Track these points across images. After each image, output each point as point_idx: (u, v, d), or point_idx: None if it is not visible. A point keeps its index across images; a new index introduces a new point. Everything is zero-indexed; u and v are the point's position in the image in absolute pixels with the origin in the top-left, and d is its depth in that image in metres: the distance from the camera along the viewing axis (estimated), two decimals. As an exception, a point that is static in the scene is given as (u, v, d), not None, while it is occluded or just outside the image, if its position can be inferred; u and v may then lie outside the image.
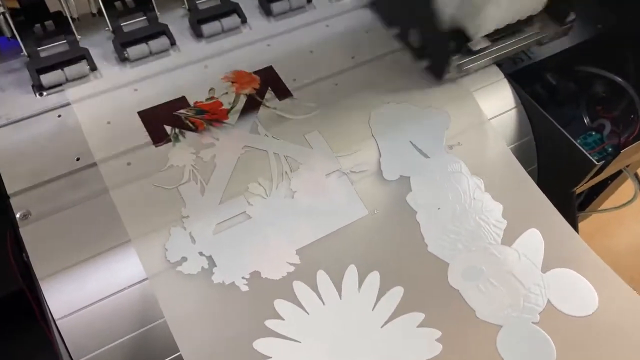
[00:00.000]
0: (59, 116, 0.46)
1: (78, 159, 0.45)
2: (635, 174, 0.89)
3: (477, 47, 0.51)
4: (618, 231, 1.10)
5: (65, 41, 0.49)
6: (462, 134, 0.51)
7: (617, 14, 0.63)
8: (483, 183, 0.49)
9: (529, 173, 0.50)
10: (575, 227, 0.49)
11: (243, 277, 0.42)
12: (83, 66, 0.48)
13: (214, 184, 0.45)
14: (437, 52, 0.52)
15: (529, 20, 0.53)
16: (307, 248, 0.44)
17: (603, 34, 0.63)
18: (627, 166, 0.75)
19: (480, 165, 0.50)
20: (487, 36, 0.51)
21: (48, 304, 0.38)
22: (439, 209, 0.47)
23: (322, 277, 0.43)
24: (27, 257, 0.39)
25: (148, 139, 0.46)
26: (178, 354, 0.38)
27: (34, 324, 0.47)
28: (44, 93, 0.47)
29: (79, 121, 0.46)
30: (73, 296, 0.39)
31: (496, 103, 0.54)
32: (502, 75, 0.55)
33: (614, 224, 1.11)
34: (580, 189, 0.58)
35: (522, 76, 0.56)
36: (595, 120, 0.60)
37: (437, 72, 0.53)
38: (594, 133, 0.59)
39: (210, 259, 0.42)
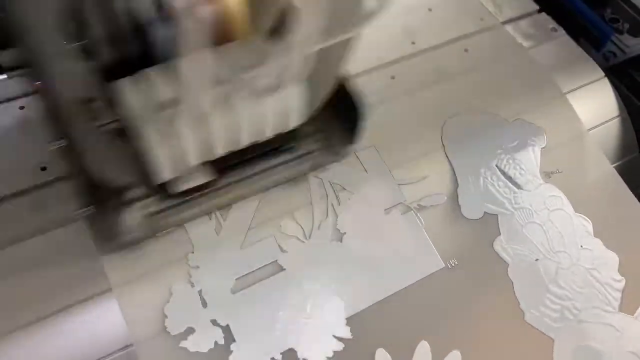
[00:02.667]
0: (21, 108, 0.34)
1: (44, 169, 0.32)
2: None
3: (182, 188, 0.30)
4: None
5: None
6: (560, 154, 0.38)
7: None
8: (591, 224, 0.37)
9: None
10: None
11: (273, 359, 0.29)
12: None
13: (234, 219, 0.32)
14: (102, 195, 0.30)
15: (290, 135, 0.31)
16: (361, 316, 0.31)
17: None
18: None
19: (585, 199, 0.37)
20: (212, 163, 0.29)
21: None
22: (537, 260, 0.35)
23: (382, 359, 0.30)
24: None
25: None
26: None
27: None
28: (4, 76, 0.35)
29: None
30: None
31: (596, 110, 0.42)
32: (602, 74, 0.43)
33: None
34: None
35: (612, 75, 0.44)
36: None
37: (105, 231, 0.30)
38: None
39: (227, 330, 0.30)
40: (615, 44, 0.48)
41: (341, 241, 0.33)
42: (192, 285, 0.30)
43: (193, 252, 0.31)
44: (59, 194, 0.32)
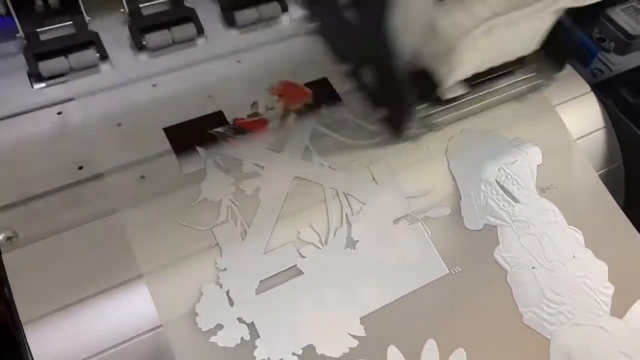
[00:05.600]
0: (59, 113, 0.38)
1: (80, 168, 0.36)
2: None
3: (450, 96, 0.40)
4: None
5: (71, 22, 0.41)
6: (553, 168, 0.42)
7: None
8: (583, 237, 0.40)
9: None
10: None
11: (294, 354, 0.32)
12: (91, 54, 0.40)
13: (258, 226, 0.35)
14: (396, 99, 0.38)
15: (519, 62, 0.42)
16: (373, 316, 0.34)
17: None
18: None
19: (578, 214, 0.41)
20: (465, 80, 0.40)
21: (33, 356, 0.29)
22: (533, 268, 0.38)
23: (393, 355, 0.33)
24: (10, 292, 0.30)
25: (168, 146, 0.37)
26: None
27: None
28: (43, 84, 0.38)
29: (83, 121, 0.37)
30: (65, 347, 0.30)
31: (582, 121, 0.45)
32: (587, 87, 0.46)
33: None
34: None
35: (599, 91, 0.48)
36: None
37: (395, 125, 0.39)
38: None
39: (252, 327, 0.32)
40: (602, 61, 0.52)
41: (354, 248, 0.36)
42: (221, 286, 0.33)
43: (221, 256, 0.34)
44: (95, 190, 0.35)
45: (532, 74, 0.43)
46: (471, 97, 0.41)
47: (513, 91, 0.43)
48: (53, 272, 0.31)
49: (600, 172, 0.44)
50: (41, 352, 0.29)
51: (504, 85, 0.42)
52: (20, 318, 0.30)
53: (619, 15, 0.53)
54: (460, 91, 0.40)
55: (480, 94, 0.42)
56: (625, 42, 0.52)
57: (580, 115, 0.44)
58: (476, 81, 0.41)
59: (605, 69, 0.52)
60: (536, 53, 0.42)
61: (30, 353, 0.29)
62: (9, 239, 0.32)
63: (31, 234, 0.32)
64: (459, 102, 0.41)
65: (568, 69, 0.47)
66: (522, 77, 0.43)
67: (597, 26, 0.53)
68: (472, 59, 0.37)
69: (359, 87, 0.42)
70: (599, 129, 0.45)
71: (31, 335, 0.29)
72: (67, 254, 0.32)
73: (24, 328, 0.29)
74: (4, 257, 0.31)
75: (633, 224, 0.42)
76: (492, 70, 0.40)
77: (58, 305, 0.30)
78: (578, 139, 0.43)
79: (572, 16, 0.53)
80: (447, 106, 0.41)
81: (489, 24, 0.34)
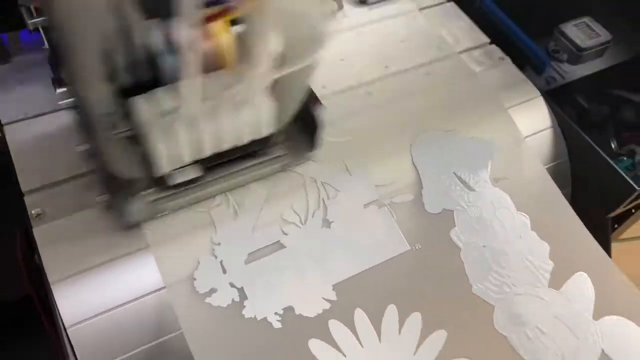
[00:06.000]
0: None
1: None
2: None
3: (178, 181, 0.38)
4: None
5: None
6: (505, 162, 0.48)
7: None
8: (529, 221, 0.46)
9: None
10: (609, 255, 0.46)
11: (276, 313, 0.39)
12: None
13: (248, 208, 0.42)
14: (116, 185, 0.38)
15: (265, 141, 0.40)
16: (344, 283, 0.41)
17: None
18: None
19: (526, 201, 0.47)
20: (202, 162, 0.38)
21: (59, 310, 0.35)
22: (484, 246, 0.44)
23: (360, 317, 0.40)
24: (39, 258, 0.36)
25: None
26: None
27: (41, 331, 0.44)
28: (64, 88, 0.45)
29: None
30: (86, 303, 0.36)
31: (531, 121, 0.51)
32: (537, 92, 0.53)
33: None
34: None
35: (554, 96, 0.54)
36: (624, 147, 0.57)
37: (118, 211, 0.39)
38: (625, 158, 0.56)
39: (241, 291, 0.39)
40: (556, 70, 0.58)
41: (329, 227, 0.43)
42: (215, 257, 0.39)
43: (216, 233, 0.40)
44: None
45: (283, 152, 0.43)
46: (208, 179, 0.41)
47: (258, 172, 0.42)
48: (75, 242, 0.38)
49: (548, 166, 0.51)
50: (66, 307, 0.36)
51: (249, 165, 0.42)
52: (49, 279, 0.36)
53: (571, 30, 0.59)
54: (191, 175, 0.38)
55: (219, 174, 0.41)
56: (576, 54, 0.59)
57: (529, 117, 0.51)
58: (214, 162, 0.40)
59: (559, 77, 0.58)
60: (290, 132, 0.42)
61: (58, 309, 0.35)
62: (38, 215, 0.38)
63: (56, 211, 0.39)
64: (193, 186, 0.40)
65: (520, 76, 0.54)
66: (271, 157, 0.43)
67: (552, 40, 0.60)
68: (176, 147, 0.35)
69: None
70: (546, 129, 0.51)
71: (57, 294, 0.36)
72: (87, 228, 0.38)
73: (52, 287, 0.36)
74: (34, 230, 0.38)
75: (578, 212, 0.48)
76: (236, 150, 0.38)
77: (79, 269, 0.37)
78: (527, 136, 0.50)
79: (529, 31, 0.60)
80: (175, 191, 0.40)
81: (185, 111, 0.33)
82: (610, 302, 0.43)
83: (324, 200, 0.43)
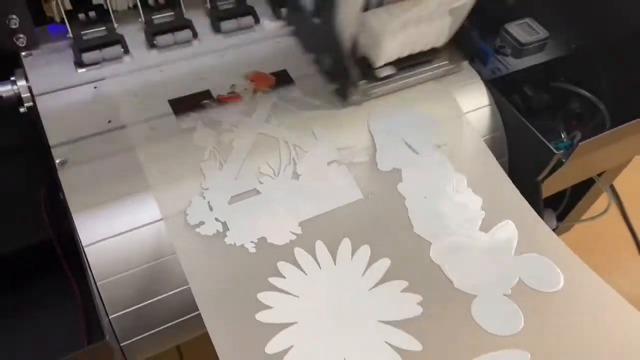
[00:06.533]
0: (95, 87, 0.54)
1: (109, 122, 0.52)
2: (611, 186, 0.96)
3: (383, 75, 0.56)
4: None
5: (104, 28, 0.58)
6: (447, 134, 0.58)
7: (590, 35, 0.71)
8: (466, 180, 0.56)
9: (501, 164, 0.57)
10: (540, 214, 0.56)
11: (252, 241, 0.48)
12: (118, 49, 0.56)
13: (231, 163, 0.51)
14: (344, 77, 0.56)
15: (434, 52, 0.59)
16: (308, 221, 0.50)
17: (578, 51, 0.71)
18: (600, 175, 0.82)
19: (464, 164, 0.57)
20: (394, 64, 0.57)
21: (79, 233, 0.45)
22: (425, 197, 0.54)
23: (320, 246, 0.49)
24: (64, 195, 0.46)
25: (169, 110, 0.54)
26: (187, 286, 0.45)
27: (59, 274, 0.53)
28: (84, 69, 0.55)
29: (111, 91, 0.54)
30: (99, 228, 0.46)
31: (472, 100, 0.61)
32: (478, 77, 0.63)
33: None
34: (549, 189, 0.65)
35: (501, 87, 0.64)
36: (571, 134, 0.67)
37: (344, 95, 0.57)
38: (565, 140, 0.66)
39: (224, 224, 0.48)
40: (501, 62, 0.68)
41: (298, 179, 0.52)
42: (204, 198, 0.49)
43: (205, 180, 0.50)
44: (120, 136, 0.51)
45: (445, 62, 0.60)
46: (398, 76, 0.58)
47: (430, 74, 0.60)
48: (90, 182, 0.48)
49: (485, 137, 0.60)
50: (84, 230, 0.45)
51: (423, 69, 0.59)
52: (70, 208, 0.46)
53: (514, 29, 0.70)
54: (389, 72, 0.57)
55: (405, 74, 0.58)
56: (518, 49, 0.69)
57: (469, 96, 0.61)
58: (402, 65, 0.58)
59: (503, 68, 0.68)
60: (448, 46, 0.59)
61: (77, 232, 0.45)
62: (62, 163, 0.48)
63: (77, 160, 0.49)
64: (389, 80, 0.58)
65: (466, 65, 0.64)
66: (438, 64, 0.60)
67: (498, 37, 0.71)
68: (393, 46, 0.55)
69: (320, 69, 0.59)
70: (484, 106, 0.61)
71: (77, 220, 0.45)
72: (102, 173, 0.48)
73: (73, 216, 0.45)
74: (59, 173, 0.48)
75: (513, 177, 0.57)
76: (414, 57, 0.58)
77: (94, 202, 0.46)
78: (467, 112, 0.60)
79: (479, 29, 0.70)
80: (380, 82, 0.57)
81: (402, 19, 0.52)
82: (530, 243, 0.52)
83: (294, 159, 0.53)
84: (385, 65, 0.57)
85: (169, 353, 0.94)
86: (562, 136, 0.68)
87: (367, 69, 0.57)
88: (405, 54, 0.57)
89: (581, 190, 0.93)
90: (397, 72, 0.57)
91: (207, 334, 0.43)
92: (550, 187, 0.67)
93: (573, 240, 1.11)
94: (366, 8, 0.53)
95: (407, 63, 0.58)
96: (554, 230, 0.99)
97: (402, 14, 0.52)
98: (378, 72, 0.57)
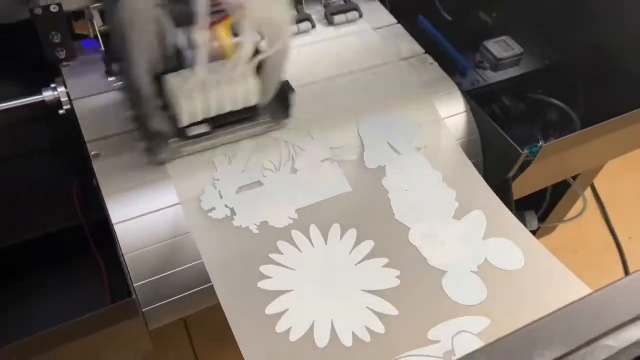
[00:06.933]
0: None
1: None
2: (593, 189, 1.04)
3: (192, 133, 0.57)
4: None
5: None
6: (427, 138, 0.66)
7: (561, 51, 0.80)
8: (441, 175, 0.64)
9: (476, 164, 0.65)
10: (511, 207, 0.64)
11: (255, 224, 0.56)
12: None
13: (239, 158, 0.60)
14: (152, 136, 0.55)
15: (253, 110, 0.59)
16: (304, 209, 0.58)
17: (551, 66, 0.80)
18: (575, 179, 0.90)
19: (440, 163, 0.65)
20: (208, 123, 0.57)
21: (109, 213, 0.53)
22: (406, 190, 0.62)
23: (313, 229, 0.57)
24: (97, 182, 0.55)
25: None
26: (200, 261, 0.54)
27: (87, 258, 0.62)
28: (113, 78, 0.65)
29: None
30: (127, 209, 0.54)
31: (449, 107, 0.69)
32: (456, 87, 0.71)
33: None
34: (527, 189, 0.73)
35: (481, 97, 0.72)
36: (547, 140, 0.76)
37: (152, 152, 0.57)
38: (539, 145, 0.74)
39: (232, 210, 0.57)
40: (480, 75, 0.77)
41: (295, 174, 0.61)
42: (215, 187, 0.57)
43: (216, 172, 0.59)
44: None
45: (267, 119, 0.61)
46: (214, 134, 0.58)
47: (248, 131, 0.60)
48: (120, 172, 0.56)
49: (461, 140, 0.68)
50: (114, 211, 0.54)
51: (242, 126, 0.60)
52: (103, 194, 0.54)
53: (492, 45, 0.79)
54: (201, 130, 0.57)
55: (221, 131, 0.59)
56: (495, 63, 0.78)
57: (447, 104, 0.69)
58: (218, 123, 0.58)
59: (482, 80, 0.77)
60: (271, 103, 0.60)
61: (109, 212, 0.54)
62: (96, 155, 0.57)
63: (108, 153, 0.58)
64: (202, 138, 0.58)
65: (444, 76, 0.72)
66: (258, 121, 0.61)
67: (478, 53, 0.80)
68: (192, 107, 0.54)
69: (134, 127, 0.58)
70: (461, 113, 0.69)
71: (109, 202, 0.54)
72: (129, 164, 0.57)
73: (105, 199, 0.54)
74: (93, 164, 0.56)
75: (486, 175, 0.66)
76: (233, 114, 0.58)
77: (123, 188, 0.55)
78: (445, 118, 0.68)
79: (462, 47, 0.79)
80: (191, 141, 0.58)
81: (192, 83, 0.53)
82: (497, 229, 0.60)
83: (292, 156, 0.62)
84: (196, 124, 0.56)
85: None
86: (540, 143, 0.77)
87: (177, 128, 0.56)
88: (212, 113, 0.56)
89: (560, 193, 1.01)
90: (211, 130, 0.58)
91: (211, 307, 0.51)
92: (526, 186, 0.75)
93: (558, 241, 1.19)
94: (165, 71, 0.54)
95: (223, 121, 0.58)
96: (536, 230, 1.08)
97: (193, 77, 0.53)
98: (187, 130, 0.57)
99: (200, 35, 0.49)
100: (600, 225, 1.23)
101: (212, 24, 0.50)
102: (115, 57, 0.60)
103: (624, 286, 0.31)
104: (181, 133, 0.57)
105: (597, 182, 1.20)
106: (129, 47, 0.48)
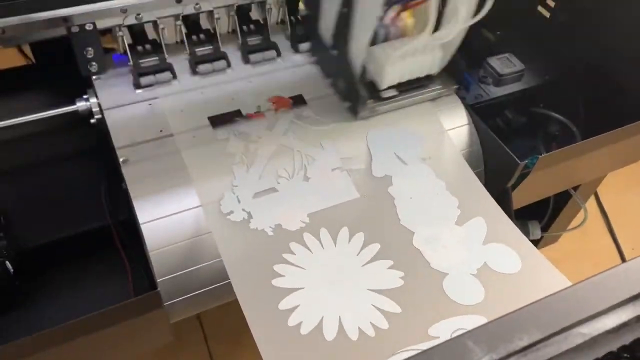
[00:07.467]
0: (150, 104, 0.68)
1: (161, 131, 0.66)
2: (597, 198, 1.08)
3: (386, 95, 0.70)
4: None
5: (157, 58, 0.72)
6: (431, 149, 0.71)
7: (561, 67, 0.84)
8: (445, 184, 0.68)
9: (478, 174, 0.69)
10: (511, 215, 0.68)
11: (270, 227, 0.61)
12: (168, 75, 0.70)
13: (256, 166, 0.65)
14: (355, 97, 0.70)
15: (429, 78, 0.72)
16: (315, 213, 0.63)
17: (552, 81, 0.84)
18: (576, 190, 0.93)
19: (444, 172, 0.69)
20: (396, 87, 0.70)
21: (137, 213, 0.58)
22: (411, 198, 0.66)
23: (324, 232, 0.62)
24: (125, 186, 0.60)
25: (208, 123, 0.68)
26: (219, 259, 0.58)
27: (112, 255, 0.67)
28: (141, 90, 0.70)
29: (162, 108, 0.68)
30: (153, 210, 0.59)
31: (453, 120, 0.74)
32: (460, 102, 0.75)
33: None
34: (528, 199, 0.77)
35: (484, 111, 0.76)
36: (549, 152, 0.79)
37: (355, 111, 0.70)
38: (540, 156, 0.78)
39: (249, 213, 0.61)
40: (484, 90, 0.81)
41: (308, 181, 0.65)
42: (234, 193, 0.62)
43: (235, 179, 0.63)
44: (169, 142, 0.65)
45: (439, 87, 0.73)
46: (399, 97, 0.71)
47: (425, 95, 0.73)
48: (147, 176, 0.61)
49: (464, 150, 0.73)
50: (141, 211, 0.59)
51: (420, 92, 0.72)
52: (131, 196, 0.59)
53: (495, 62, 0.83)
54: (392, 93, 0.70)
55: (404, 96, 0.71)
56: (497, 79, 0.82)
57: (451, 117, 0.74)
58: (403, 88, 0.71)
59: (485, 95, 0.82)
60: (441, 74, 0.72)
61: (136, 213, 0.58)
62: (125, 161, 0.62)
63: (136, 159, 0.63)
64: (392, 100, 0.70)
65: (449, 91, 0.77)
66: (432, 88, 0.72)
67: (482, 69, 0.84)
68: (394, 73, 0.68)
69: (335, 91, 0.73)
70: (463, 125, 0.73)
71: (136, 204, 0.59)
72: (155, 169, 0.62)
73: (133, 201, 0.59)
74: (122, 169, 0.61)
75: (488, 184, 0.70)
76: (413, 82, 0.71)
77: (150, 191, 0.60)
78: (448, 130, 0.72)
79: (466, 62, 0.84)
80: (384, 102, 0.70)
81: (401, 52, 0.65)
82: (497, 235, 0.64)
83: (305, 165, 0.66)
84: (389, 88, 0.70)
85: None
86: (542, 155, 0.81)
87: (374, 91, 0.70)
88: (404, 79, 0.70)
89: (562, 203, 1.04)
90: (398, 94, 0.70)
91: (227, 310, 0.55)
92: (526, 196, 0.79)
93: (562, 252, 1.22)
94: (373, 43, 0.66)
95: (407, 87, 0.71)
96: (539, 239, 1.11)
97: (401, 47, 0.66)
98: (383, 93, 0.70)
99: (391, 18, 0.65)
100: (605, 236, 1.26)
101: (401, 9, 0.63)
102: (307, 37, 0.77)
103: (599, 281, 0.35)
104: (377, 96, 0.70)
105: (602, 194, 1.24)
106: (351, 29, 0.63)
